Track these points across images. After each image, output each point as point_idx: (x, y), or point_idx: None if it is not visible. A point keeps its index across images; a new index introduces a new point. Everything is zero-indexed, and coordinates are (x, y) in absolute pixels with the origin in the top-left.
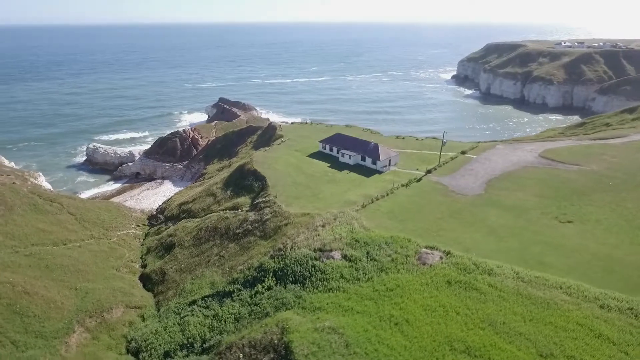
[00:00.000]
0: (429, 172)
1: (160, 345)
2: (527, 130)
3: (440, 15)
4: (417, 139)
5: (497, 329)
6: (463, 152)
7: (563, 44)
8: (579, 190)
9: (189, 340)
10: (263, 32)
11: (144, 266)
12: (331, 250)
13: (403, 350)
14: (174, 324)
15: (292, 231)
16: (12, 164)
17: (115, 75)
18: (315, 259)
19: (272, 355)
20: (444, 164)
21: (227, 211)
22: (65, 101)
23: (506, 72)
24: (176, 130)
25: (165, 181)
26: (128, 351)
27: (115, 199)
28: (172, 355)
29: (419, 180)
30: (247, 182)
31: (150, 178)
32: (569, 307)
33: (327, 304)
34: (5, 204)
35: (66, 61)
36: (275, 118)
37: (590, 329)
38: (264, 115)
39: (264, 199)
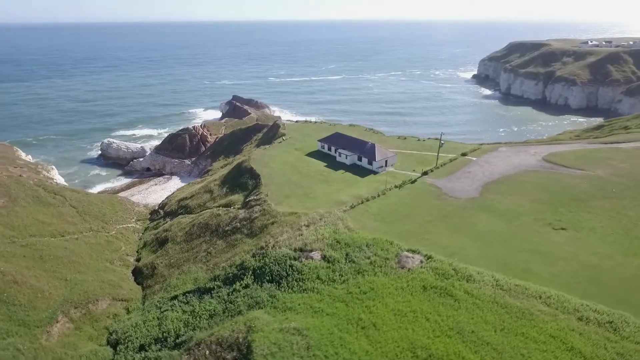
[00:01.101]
0: (425, 173)
1: (137, 338)
2: (547, 132)
3: (462, 12)
4: (418, 140)
5: (465, 337)
6: (463, 154)
7: (590, 43)
8: (579, 197)
9: (164, 334)
10: (284, 31)
11: (138, 260)
12: (311, 251)
13: (364, 355)
14: (153, 317)
15: (276, 230)
16: (29, 157)
17: (135, 72)
18: (294, 258)
19: (235, 354)
20: (441, 165)
21: (220, 208)
22: (86, 98)
23: (527, 72)
24: (186, 127)
25: (173, 177)
26: (108, 343)
27: (123, 193)
28: (147, 348)
29: (414, 181)
30: (242, 179)
31: (159, 173)
32: (544, 318)
33: (299, 304)
34: (9, 195)
35: (88, 59)
36: (287, 117)
37: (562, 341)
38: (276, 114)
39: (255, 197)
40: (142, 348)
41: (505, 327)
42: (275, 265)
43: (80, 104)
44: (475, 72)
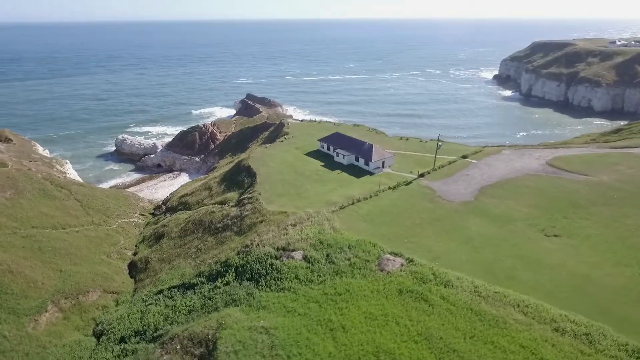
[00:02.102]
0: (421, 175)
1: (119, 330)
2: (568, 135)
3: (483, 10)
4: (420, 141)
5: (432, 343)
6: (464, 157)
7: (618, 43)
8: (578, 203)
9: (144, 327)
10: (302, 30)
11: (135, 254)
12: (294, 250)
13: (327, 357)
14: (137, 310)
15: (264, 228)
16: (46, 152)
17: (156, 71)
18: (276, 257)
19: (202, 349)
20: (439, 167)
21: (216, 205)
22: (108, 96)
23: (550, 72)
24: (196, 124)
25: (182, 173)
26: (94, 333)
27: (132, 188)
28: (127, 340)
29: (408, 183)
30: (240, 177)
31: (169, 170)
32: (518, 327)
33: (274, 303)
34: (16, 188)
35: (111, 57)
36: (300, 116)
37: (532, 352)
38: (289, 113)
39: (248, 195)
40: (122, 340)
41: (476, 335)
42: (256, 263)
43: (101, 102)
44: (497, 72)
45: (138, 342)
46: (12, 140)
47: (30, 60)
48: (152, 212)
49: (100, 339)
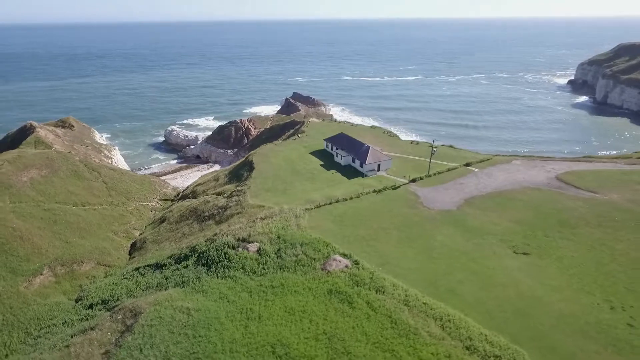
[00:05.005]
0: (412, 181)
1: (92, 297)
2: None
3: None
4: (430, 146)
5: (332, 344)
6: (467, 164)
7: None
8: (568, 222)
9: (109, 298)
10: (371, 30)
11: (141, 234)
12: (251, 242)
13: (229, 342)
14: (112, 283)
15: (236, 220)
16: (102, 139)
17: (222, 67)
18: (233, 247)
19: (132, 321)
20: (435, 174)
21: (213, 196)
22: (172, 92)
23: (631, 78)
24: (234, 119)
25: (215, 165)
26: (76, 298)
27: (169, 175)
28: (94, 307)
29: (396, 188)
30: (242, 171)
31: (206, 161)
32: (427, 340)
33: (212, 288)
34: (52, 167)
35: (182, 55)
36: (343, 116)
37: None
38: (331, 112)
39: (239, 188)
40: (90, 306)
41: (380, 342)
42: (214, 251)
43: (165, 96)
44: (572, 78)
45: (100, 310)
46: (73, 127)
47: (117, 56)
48: (173, 198)
49: (77, 303)
